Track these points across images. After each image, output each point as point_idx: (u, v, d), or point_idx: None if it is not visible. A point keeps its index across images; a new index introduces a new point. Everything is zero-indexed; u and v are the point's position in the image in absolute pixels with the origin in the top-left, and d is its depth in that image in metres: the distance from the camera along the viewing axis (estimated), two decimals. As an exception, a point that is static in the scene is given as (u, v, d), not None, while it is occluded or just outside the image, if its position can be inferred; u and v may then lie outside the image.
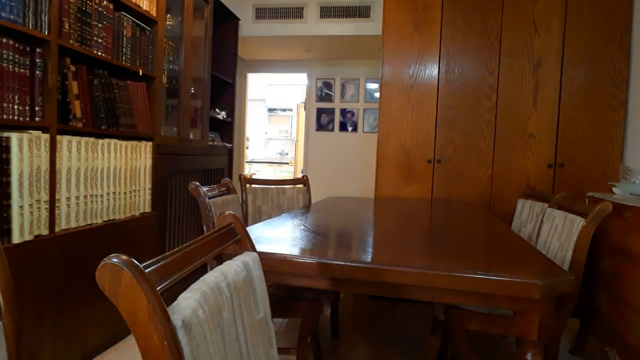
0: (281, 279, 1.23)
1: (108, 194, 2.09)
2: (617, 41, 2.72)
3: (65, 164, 1.83)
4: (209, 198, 1.77)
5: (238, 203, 2.10)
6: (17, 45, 1.60)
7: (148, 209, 2.42)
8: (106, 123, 2.08)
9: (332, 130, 5.69)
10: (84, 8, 1.92)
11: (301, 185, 2.61)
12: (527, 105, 2.86)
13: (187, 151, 2.91)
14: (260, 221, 2.03)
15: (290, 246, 1.33)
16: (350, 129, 5.63)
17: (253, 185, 2.46)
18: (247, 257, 0.83)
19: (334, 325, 2.34)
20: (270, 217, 2.22)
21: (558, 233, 1.76)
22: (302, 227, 1.65)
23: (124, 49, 2.21)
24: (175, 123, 2.85)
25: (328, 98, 5.71)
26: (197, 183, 1.69)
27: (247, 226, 1.50)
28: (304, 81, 5.94)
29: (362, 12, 4.12)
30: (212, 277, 0.67)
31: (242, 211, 2.28)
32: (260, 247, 1.23)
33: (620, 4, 2.71)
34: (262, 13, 4.30)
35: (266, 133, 9.09)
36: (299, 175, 6.31)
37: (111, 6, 2.10)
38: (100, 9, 2.02)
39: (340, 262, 1.13)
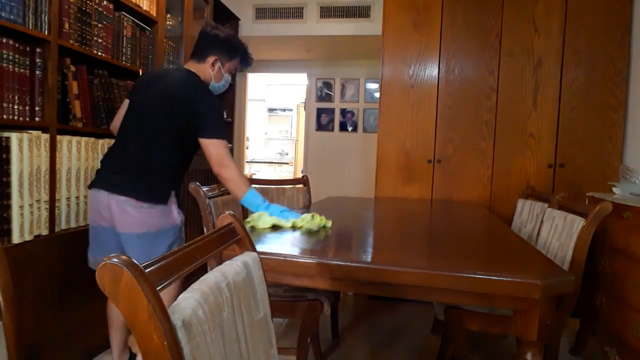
0: (281, 279, 1.23)
1: (108, 194, 2.09)
2: (617, 41, 2.72)
3: (65, 164, 1.83)
4: (212, 198, 1.76)
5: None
6: (17, 45, 1.60)
7: (148, 209, 2.41)
8: (106, 123, 2.08)
9: (332, 130, 5.69)
10: (84, 8, 1.92)
11: (301, 185, 2.61)
12: (527, 105, 2.86)
13: (187, 151, 2.91)
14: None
15: (290, 246, 1.33)
16: (350, 129, 5.63)
17: (253, 186, 2.45)
18: (247, 257, 0.83)
19: (334, 325, 2.34)
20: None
21: (558, 233, 1.76)
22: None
23: (124, 49, 2.21)
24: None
25: (328, 98, 5.71)
26: (197, 183, 1.69)
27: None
28: (304, 81, 5.94)
29: (362, 12, 4.12)
30: (212, 277, 0.68)
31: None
32: (260, 247, 1.23)
33: (620, 4, 2.71)
34: (262, 13, 4.31)
35: (266, 133, 9.09)
36: (299, 175, 6.31)
37: (111, 6, 2.10)
38: (100, 9, 2.02)
39: (340, 262, 1.13)
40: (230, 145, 3.76)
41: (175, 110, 1.64)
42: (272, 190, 2.52)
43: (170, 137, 1.66)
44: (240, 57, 1.84)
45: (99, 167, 1.72)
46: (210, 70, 1.77)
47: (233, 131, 3.95)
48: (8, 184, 1.56)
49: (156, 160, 1.65)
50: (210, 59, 1.76)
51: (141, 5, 2.30)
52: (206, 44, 1.77)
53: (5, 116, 1.57)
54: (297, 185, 2.60)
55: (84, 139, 1.92)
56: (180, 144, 1.68)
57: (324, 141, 5.70)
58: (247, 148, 6.24)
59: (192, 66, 1.77)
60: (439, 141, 2.97)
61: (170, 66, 2.51)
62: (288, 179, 2.68)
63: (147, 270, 0.52)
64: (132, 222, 1.60)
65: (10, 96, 1.59)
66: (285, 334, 2.36)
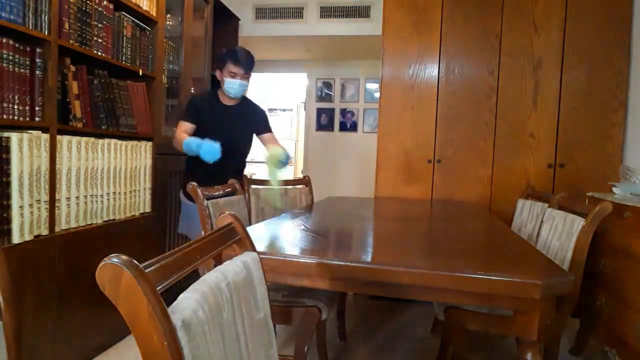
0: (281, 279, 1.23)
1: (108, 194, 2.09)
2: (617, 41, 2.72)
3: (65, 164, 1.83)
4: (213, 199, 1.75)
5: (243, 204, 2.06)
6: (17, 45, 1.60)
7: (148, 209, 2.42)
8: (106, 123, 2.08)
9: (332, 130, 5.69)
10: (84, 8, 1.92)
11: (303, 186, 2.60)
12: (527, 105, 2.85)
13: (187, 151, 2.91)
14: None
15: (290, 246, 1.33)
16: (350, 129, 5.63)
17: (256, 186, 2.44)
18: (247, 257, 0.83)
19: (342, 328, 2.31)
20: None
21: (558, 233, 1.76)
22: (302, 227, 1.65)
23: (124, 49, 2.21)
24: (176, 123, 2.85)
25: (328, 98, 5.71)
26: (195, 183, 1.67)
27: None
28: (304, 81, 5.94)
29: (362, 12, 4.12)
30: (212, 277, 0.68)
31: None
32: (260, 247, 1.23)
33: (620, 4, 2.71)
34: (262, 13, 4.30)
35: (266, 133, 9.06)
36: (299, 175, 6.30)
37: (111, 6, 2.10)
38: (100, 9, 2.02)
39: (340, 262, 1.13)
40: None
41: None
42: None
43: None
44: (228, 59, 2.22)
45: None
46: (220, 80, 2.33)
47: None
48: (8, 184, 1.56)
49: None
50: (217, 74, 2.32)
51: (141, 5, 2.30)
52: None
53: (5, 116, 1.57)
54: (299, 186, 2.59)
55: (84, 139, 1.92)
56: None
57: (324, 141, 5.70)
58: (247, 148, 6.25)
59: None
60: (439, 141, 2.97)
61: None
62: (290, 179, 2.67)
63: (147, 270, 0.52)
64: None
65: (10, 96, 1.59)
66: (288, 338, 2.36)
